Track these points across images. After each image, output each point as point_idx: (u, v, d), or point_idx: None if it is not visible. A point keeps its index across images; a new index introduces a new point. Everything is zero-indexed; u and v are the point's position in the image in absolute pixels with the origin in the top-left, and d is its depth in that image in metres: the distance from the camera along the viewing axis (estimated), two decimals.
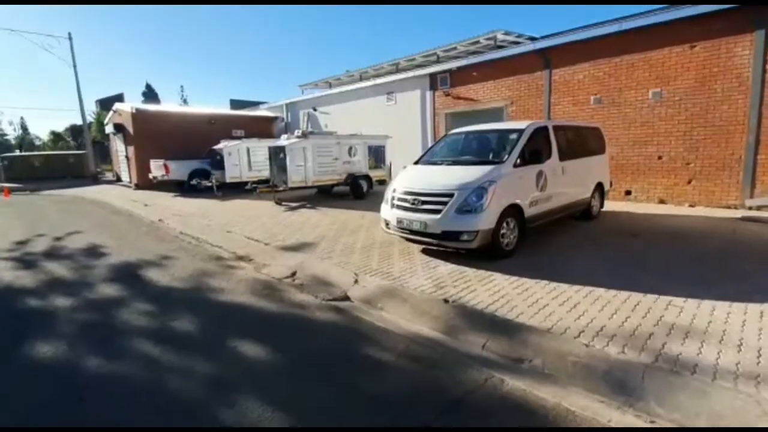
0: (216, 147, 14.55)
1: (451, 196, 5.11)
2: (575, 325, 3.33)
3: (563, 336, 3.18)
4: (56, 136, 57.67)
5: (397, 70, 17.18)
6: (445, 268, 5.08)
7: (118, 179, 21.15)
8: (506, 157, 5.54)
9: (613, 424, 2.26)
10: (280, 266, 5.57)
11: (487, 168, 5.35)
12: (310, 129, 13.22)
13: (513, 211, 5.35)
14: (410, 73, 14.25)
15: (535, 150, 5.75)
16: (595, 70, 10.02)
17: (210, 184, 14.05)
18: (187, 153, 16.16)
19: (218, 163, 14.21)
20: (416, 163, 6.74)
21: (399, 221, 5.56)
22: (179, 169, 15.04)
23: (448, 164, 6.03)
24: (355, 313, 3.97)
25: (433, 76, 13.63)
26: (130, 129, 17.72)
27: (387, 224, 5.94)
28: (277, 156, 11.50)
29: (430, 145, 13.67)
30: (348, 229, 7.79)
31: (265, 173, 14.51)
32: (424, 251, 5.87)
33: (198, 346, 3.31)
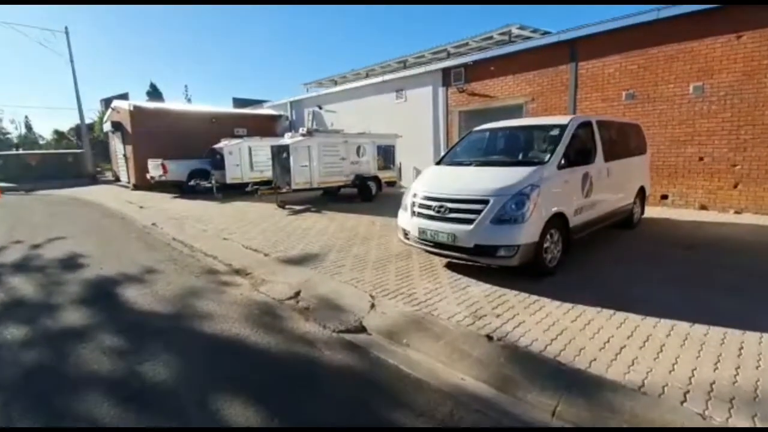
0: (216, 146, 13.80)
1: (485, 203, 4.28)
2: (673, 381, 2.50)
3: (663, 399, 2.34)
4: (60, 135, 57.20)
5: (405, 68, 16.38)
6: (478, 288, 4.25)
7: (117, 179, 20.47)
8: (549, 157, 4.70)
9: None
10: (281, 283, 4.76)
11: (527, 170, 4.52)
12: (315, 127, 12.39)
13: (557, 221, 4.52)
14: (421, 69, 13.42)
15: (581, 149, 4.92)
16: (628, 63, 9.16)
17: (209, 185, 13.29)
18: (187, 152, 15.41)
19: (218, 162, 13.45)
20: (438, 163, 5.91)
21: (421, 232, 4.74)
22: (178, 170, 14.30)
23: (478, 165, 5.20)
24: (374, 352, 3.15)
25: (446, 72, 12.80)
26: (128, 127, 17.01)
27: (406, 234, 5.12)
28: (280, 155, 10.71)
29: (442, 144, 12.87)
30: (358, 237, 6.97)
31: (268, 174, 13.73)
32: (449, 266, 5.04)
33: (169, 410, 2.49)
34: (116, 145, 19.62)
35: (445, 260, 5.16)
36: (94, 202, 13.72)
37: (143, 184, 15.89)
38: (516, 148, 5.53)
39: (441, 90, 13.00)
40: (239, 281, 5.02)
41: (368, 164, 11.93)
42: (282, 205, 10.53)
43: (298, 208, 10.47)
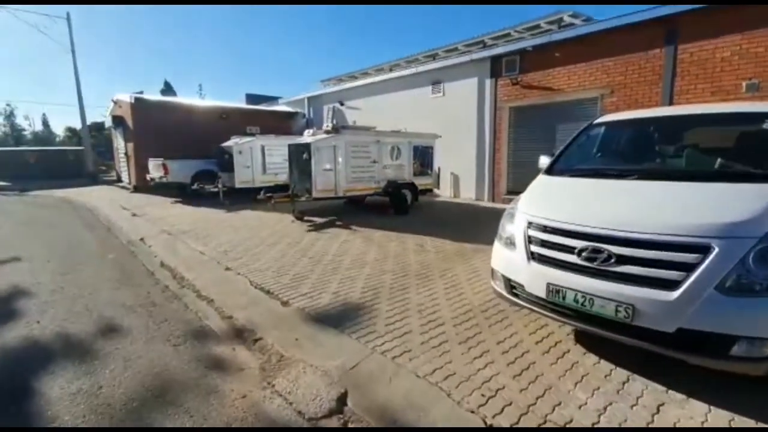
0: (224, 144, 11.98)
1: (701, 250, 2.29)
2: None
3: None
4: (72, 133, 56.42)
5: (435, 61, 14.37)
6: (674, 408, 2.26)
7: (119, 180, 18.85)
8: None
9: None
10: (311, 371, 2.82)
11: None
12: (341, 123, 10.48)
13: None
14: (465, 57, 11.42)
15: None
16: (751, 44, 7.06)
17: (215, 189, 11.46)
18: (194, 151, 13.64)
19: (226, 163, 11.62)
20: (549, 171, 3.91)
21: (554, 291, 2.75)
22: (181, 170, 12.53)
23: (639, 178, 3.18)
24: None
25: (496, 60, 10.79)
26: (130, 122, 15.33)
27: (512, 287, 3.14)
28: (299, 157, 8.81)
29: (488, 147, 10.87)
30: (411, 270, 5.00)
31: (283, 177, 11.90)
32: (580, 340, 3.07)
33: None
34: (118, 142, 17.99)
35: (566, 326, 3.18)
36: (84, 206, 12.00)
37: (144, 185, 14.17)
38: (708, 151, 3.49)
39: (488, 82, 10.99)
40: (241, 359, 3.08)
41: (403, 169, 9.98)
42: (300, 217, 8.63)
43: (320, 221, 8.55)
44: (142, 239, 7.37)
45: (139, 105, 14.70)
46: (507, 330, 3.36)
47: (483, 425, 2.23)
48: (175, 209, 10.61)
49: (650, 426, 2.23)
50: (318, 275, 4.87)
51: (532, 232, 3.03)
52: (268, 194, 8.62)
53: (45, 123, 61.48)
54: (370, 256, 5.71)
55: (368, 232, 7.44)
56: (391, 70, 16.88)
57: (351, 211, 9.97)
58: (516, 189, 10.89)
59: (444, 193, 12.20)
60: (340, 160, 8.68)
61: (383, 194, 9.65)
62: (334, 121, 12.75)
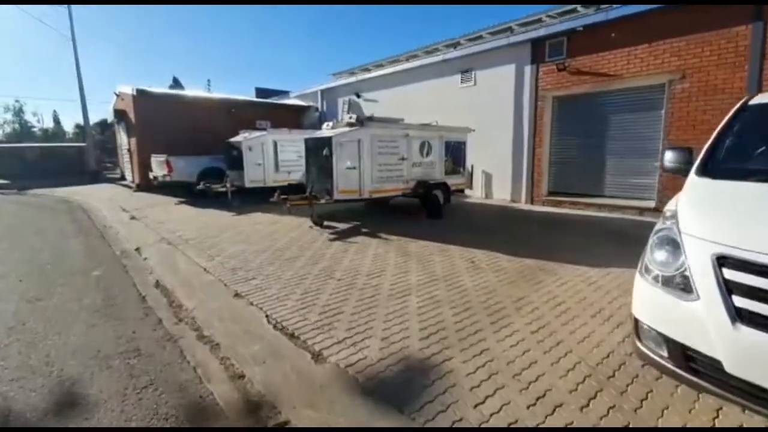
0: (233, 139, 10.89)
1: None
2: None
3: None
4: (81, 129, 55.91)
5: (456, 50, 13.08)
6: None
7: (122, 177, 17.93)
8: None
9: None
10: None
11: None
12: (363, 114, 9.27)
13: None
14: (501, 40, 10.16)
15: None
16: None
17: (223, 189, 10.39)
18: (200, 147, 12.64)
19: (235, 160, 10.54)
20: (710, 173, 2.70)
21: None
22: (186, 168, 11.50)
23: None
24: None
25: (538, 43, 9.54)
26: (132, 116, 14.36)
27: (690, 358, 1.97)
28: (317, 153, 7.68)
29: (526, 141, 9.64)
30: (473, 299, 3.85)
31: (297, 176, 10.80)
32: None
33: None
34: (121, 138, 17.05)
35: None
36: (80, 207, 11.01)
37: (147, 184, 13.18)
38: None
39: (528, 68, 9.75)
40: None
41: (434, 167, 8.81)
42: (319, 222, 7.51)
43: (342, 227, 7.43)
44: (137, 249, 6.32)
45: (142, 98, 13.69)
46: (670, 415, 2.19)
47: None
48: (178, 211, 9.55)
49: None
50: (354, 307, 3.74)
51: (734, 275, 1.85)
52: (283, 196, 7.50)
53: (56, 120, 61.02)
54: (414, 277, 4.56)
55: (401, 241, 6.30)
56: (407, 60, 15.70)
57: (374, 214, 8.83)
58: (558, 190, 9.69)
59: (474, 193, 11.01)
60: (364, 156, 7.53)
61: (412, 196, 8.50)
62: (350, 115, 11.59)
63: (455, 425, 2.16)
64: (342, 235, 6.76)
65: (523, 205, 10.02)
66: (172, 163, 11.06)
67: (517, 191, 10.32)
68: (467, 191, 10.52)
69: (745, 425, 2.14)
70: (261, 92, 22.87)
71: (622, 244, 6.09)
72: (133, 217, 8.86)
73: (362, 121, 7.58)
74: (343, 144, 7.35)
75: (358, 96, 14.82)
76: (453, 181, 9.14)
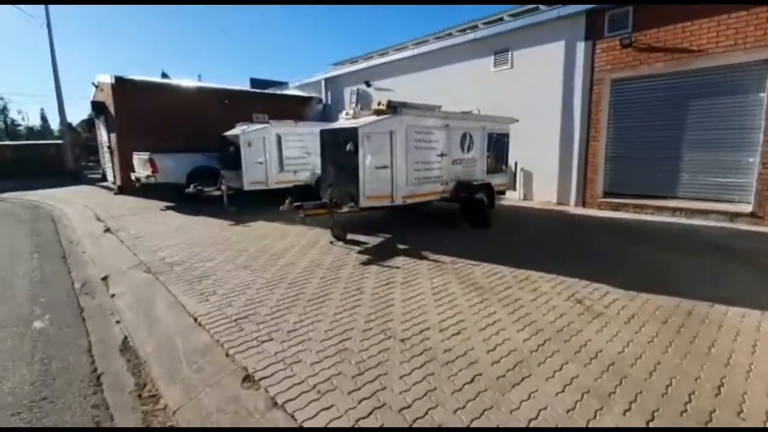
0: (228, 133, 9.24)
1: None
2: None
3: None
4: (68, 128, 53.44)
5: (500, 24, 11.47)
6: None
7: (104, 178, 16.16)
8: None
9: None
10: None
11: None
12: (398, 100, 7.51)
13: None
14: (551, 12, 8.54)
15: None
16: None
17: (218, 192, 8.74)
18: (191, 144, 10.98)
19: (231, 158, 8.89)
20: None
21: None
22: (174, 168, 9.84)
23: None
24: None
25: (594, 15, 7.98)
26: (112, 109, 12.59)
27: None
28: (337, 149, 6.09)
29: (577, 133, 8.14)
30: (643, 386, 2.29)
31: (304, 176, 9.20)
32: None
33: None
34: (100, 134, 15.28)
35: None
36: (49, 215, 9.32)
37: (130, 186, 11.49)
38: None
39: (581, 46, 8.19)
40: None
41: (475, 165, 7.26)
42: (341, 236, 5.94)
43: (370, 241, 5.87)
44: (105, 279, 4.71)
45: (122, 87, 11.94)
46: None
47: None
48: (164, 220, 7.90)
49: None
50: (456, 412, 2.17)
51: None
52: (296, 203, 5.89)
53: (43, 118, 58.41)
54: (514, 336, 3.01)
55: (457, 264, 4.74)
56: (427, 43, 14.00)
57: (402, 221, 7.25)
58: (615, 190, 8.17)
59: (510, 194, 9.46)
60: (398, 152, 5.95)
61: (451, 200, 6.94)
62: (356, 109, 9.93)
63: None
64: (375, 255, 5.18)
65: (574, 209, 8.50)
66: (157, 162, 9.39)
67: (565, 192, 8.79)
68: (511, 193, 9.01)
69: None
70: (256, 83, 21.10)
71: (746, 264, 4.61)
72: (107, 229, 7.21)
73: (395, 108, 5.98)
74: (372, 137, 5.76)
75: (368, 85, 13.18)
76: (496, 182, 7.59)
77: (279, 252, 5.44)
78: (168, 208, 9.36)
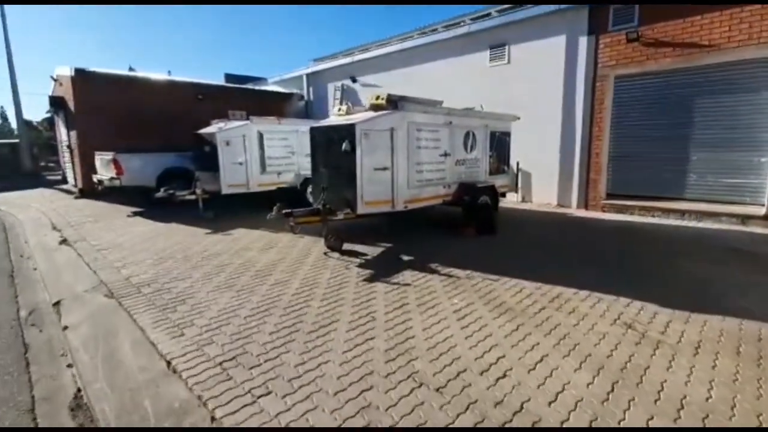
0: (204, 131, 8.40)
1: None
2: None
3: None
4: (27, 126, 50.05)
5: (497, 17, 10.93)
6: None
7: (64, 180, 14.88)
8: None
9: None
10: None
11: None
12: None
13: None
14: (546, 6, 8.10)
15: None
16: None
17: (193, 196, 7.90)
18: (161, 143, 10.07)
19: (207, 158, 8.07)
20: None
21: None
22: (142, 169, 8.91)
23: None
24: None
25: (598, 8, 7.58)
26: (71, 104, 11.45)
27: None
28: (330, 148, 5.43)
29: (579, 131, 7.75)
30: None
31: (288, 178, 8.47)
32: None
33: None
34: (60, 132, 14.03)
35: None
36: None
37: (93, 189, 10.44)
38: None
39: (583, 40, 7.79)
40: None
41: (478, 165, 6.74)
42: (337, 246, 5.27)
43: (369, 252, 5.23)
44: (57, 305, 3.91)
45: (83, 80, 10.87)
46: None
47: None
48: (131, 228, 7.02)
49: None
50: None
51: None
52: (285, 210, 5.18)
53: (3, 116, 54.66)
54: (578, 381, 2.44)
55: (474, 280, 4.17)
56: (419, 36, 13.38)
57: (399, 227, 6.64)
58: (618, 191, 7.81)
59: (508, 195, 8.99)
60: (399, 152, 5.33)
61: (454, 204, 6.38)
62: (348, 103, 9.31)
63: None
64: (379, 270, 4.55)
65: (577, 211, 8.10)
66: (122, 163, 8.45)
67: (566, 194, 8.39)
68: (517, 196, 8.54)
69: None
70: (232, 79, 20.03)
71: None
72: (64, 240, 6.29)
73: (396, 103, 5.36)
74: (371, 135, 5.12)
75: (354, 81, 12.50)
76: (498, 183, 7.09)
77: (266, 267, 4.73)
78: (135, 214, 8.44)
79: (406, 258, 5.01)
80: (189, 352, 2.83)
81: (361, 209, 5.22)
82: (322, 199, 5.35)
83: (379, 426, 2.05)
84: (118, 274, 4.56)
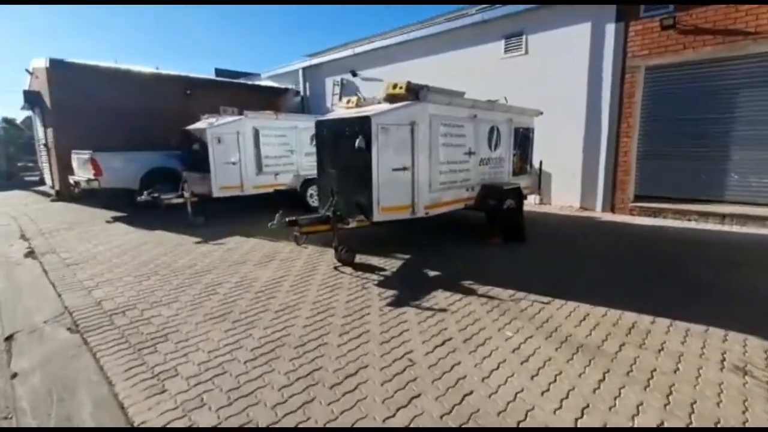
0: (193, 127, 7.58)
1: None
2: None
3: None
4: (9, 124, 48.39)
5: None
6: None
7: (42, 181, 13.89)
8: None
9: None
10: None
11: None
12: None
13: None
14: None
15: None
16: None
17: (181, 199, 7.07)
18: (146, 141, 9.25)
19: (196, 158, 7.26)
20: None
21: None
22: (124, 169, 8.08)
23: None
24: None
25: None
26: (47, 98, 10.52)
27: None
28: (339, 146, 4.69)
29: (605, 128, 7.08)
30: None
31: (285, 179, 7.71)
32: None
33: None
34: (36, 130, 13.04)
35: None
36: None
37: (70, 191, 9.56)
38: None
39: (611, 28, 7.13)
40: None
41: (502, 165, 6.03)
42: (349, 259, 4.53)
43: (386, 266, 4.48)
44: (9, 339, 3.13)
45: (59, 72, 9.97)
46: None
47: None
48: (109, 237, 6.19)
49: None
50: None
51: None
52: (289, 218, 4.41)
53: None
54: None
55: (516, 299, 3.45)
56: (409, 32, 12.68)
57: (412, 233, 5.90)
58: (650, 193, 7.17)
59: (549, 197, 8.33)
60: (420, 149, 4.60)
61: (478, 208, 5.66)
62: (358, 93, 8.54)
63: None
64: (403, 289, 3.81)
65: (602, 214, 7.44)
66: (101, 163, 7.60)
67: (590, 196, 7.73)
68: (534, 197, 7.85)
69: None
70: (222, 74, 19.11)
71: None
72: (30, 252, 5.46)
73: (417, 92, 4.62)
74: (389, 129, 4.38)
75: (354, 74, 11.74)
76: (522, 184, 6.38)
77: (267, 286, 3.96)
78: (116, 219, 7.59)
79: (431, 273, 4.29)
80: (173, 420, 2.06)
81: (377, 216, 4.48)
82: (331, 205, 4.59)
83: None
84: (88, 298, 3.76)
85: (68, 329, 3.20)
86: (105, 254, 5.24)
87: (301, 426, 2.01)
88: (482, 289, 3.80)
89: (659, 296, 3.59)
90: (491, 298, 3.60)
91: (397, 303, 3.51)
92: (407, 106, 4.52)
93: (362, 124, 4.37)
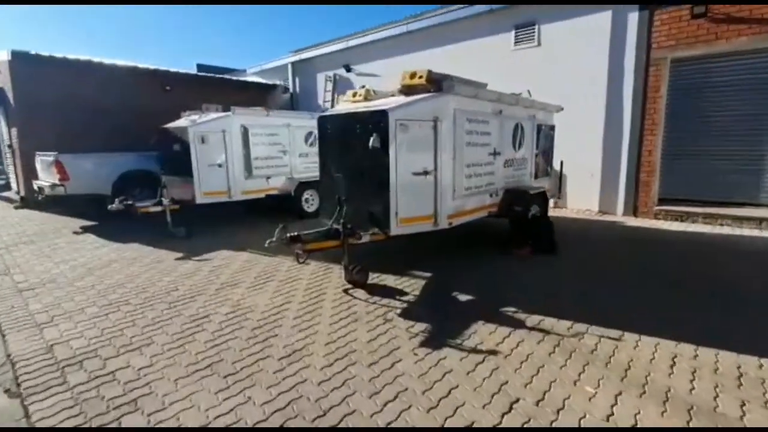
0: (172, 125, 6.74)
1: None
2: None
3: None
4: None
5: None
6: None
7: (7, 186, 12.73)
8: None
9: None
10: None
11: None
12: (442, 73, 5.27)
13: None
14: None
15: None
16: None
17: (159, 207, 6.22)
18: (120, 141, 8.36)
19: (177, 160, 6.42)
20: None
21: None
22: (94, 173, 7.21)
23: None
24: None
25: None
26: (11, 95, 9.50)
27: None
28: (348, 146, 3.96)
29: (628, 127, 6.53)
30: None
31: (278, 183, 6.95)
32: None
33: None
34: (1, 130, 11.91)
35: None
36: None
37: (34, 197, 8.58)
38: None
39: (633, 17, 6.57)
40: None
41: (525, 166, 5.39)
42: (360, 280, 3.82)
43: (404, 288, 3.78)
44: None
45: (23, 65, 9.01)
46: None
47: None
48: (73, 253, 5.33)
49: None
50: None
51: None
52: (291, 234, 3.66)
53: None
54: None
55: (576, 333, 2.80)
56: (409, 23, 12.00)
57: (426, 243, 5.20)
58: (674, 196, 6.64)
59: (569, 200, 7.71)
60: (444, 149, 3.91)
61: (501, 215, 5.01)
62: (366, 86, 7.76)
63: None
64: (436, 323, 3.11)
65: (625, 219, 6.88)
66: (67, 166, 6.70)
67: (610, 198, 7.17)
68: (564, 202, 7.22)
69: None
70: (205, 70, 18.09)
71: None
72: None
73: (439, 83, 3.92)
74: (409, 126, 3.68)
75: (348, 70, 10.99)
76: (544, 186, 5.76)
77: (266, 319, 3.22)
78: (85, 230, 6.71)
79: (463, 298, 3.60)
80: None
81: (395, 229, 3.78)
82: (339, 216, 3.86)
83: None
84: (38, 340, 2.96)
85: (6, 391, 2.41)
86: (67, 275, 4.40)
87: None
88: (530, 319, 3.14)
89: (745, 328, 2.97)
90: (546, 332, 2.93)
91: (432, 342, 2.81)
92: (429, 99, 3.83)
93: (377, 120, 3.66)
